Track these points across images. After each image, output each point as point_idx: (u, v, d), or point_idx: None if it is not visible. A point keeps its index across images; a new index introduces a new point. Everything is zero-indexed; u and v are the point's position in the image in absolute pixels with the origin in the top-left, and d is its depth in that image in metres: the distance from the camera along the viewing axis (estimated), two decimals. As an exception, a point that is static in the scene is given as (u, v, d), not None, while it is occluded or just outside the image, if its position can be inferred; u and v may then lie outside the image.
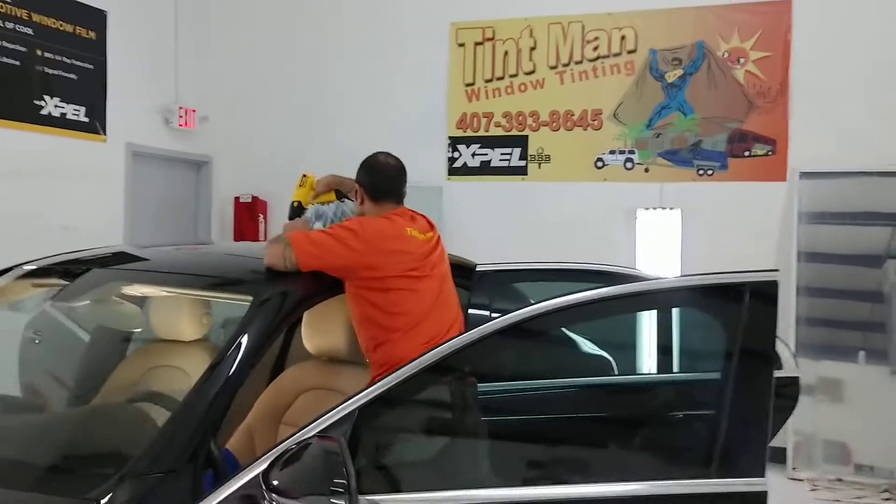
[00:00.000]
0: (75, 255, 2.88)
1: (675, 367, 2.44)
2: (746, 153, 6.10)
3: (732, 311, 1.78)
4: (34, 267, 2.70)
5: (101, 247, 3.21)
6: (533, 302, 1.97)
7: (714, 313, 1.83)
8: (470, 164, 6.83)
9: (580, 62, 6.53)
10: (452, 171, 6.88)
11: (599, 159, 6.48)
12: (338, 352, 2.94)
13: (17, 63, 5.61)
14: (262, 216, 7.42)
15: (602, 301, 1.88)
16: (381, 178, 2.93)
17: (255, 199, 7.40)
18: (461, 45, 6.87)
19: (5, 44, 5.51)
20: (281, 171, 7.36)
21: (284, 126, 7.36)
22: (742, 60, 6.11)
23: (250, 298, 2.34)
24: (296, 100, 7.33)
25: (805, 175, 5.91)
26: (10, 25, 5.54)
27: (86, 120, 6.14)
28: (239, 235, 7.43)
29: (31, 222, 5.60)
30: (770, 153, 6.04)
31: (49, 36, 5.82)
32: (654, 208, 6.23)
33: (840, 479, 5.45)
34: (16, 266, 2.83)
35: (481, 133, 6.81)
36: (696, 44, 6.23)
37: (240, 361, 2.09)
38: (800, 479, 5.50)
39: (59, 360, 2.80)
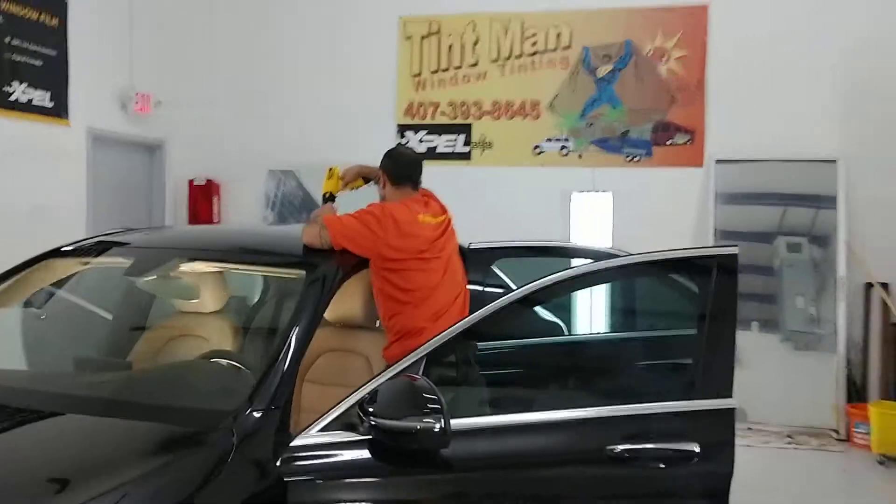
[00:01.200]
0: (111, 237, 3.26)
1: (663, 325, 3.03)
2: (669, 142, 6.83)
3: (705, 276, 2.37)
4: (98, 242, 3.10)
5: (124, 229, 3.58)
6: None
7: (692, 279, 2.42)
8: (417, 150, 7.33)
9: (520, 56, 7.12)
10: (401, 156, 7.36)
11: (537, 146, 7.09)
12: (353, 319, 3.42)
13: (-13, 50, 5.77)
14: (216, 198, 7.73)
15: (606, 271, 2.46)
16: (402, 166, 3.43)
17: (209, 181, 7.70)
18: (409, 37, 7.35)
19: (-23, 32, 5.67)
20: (234, 154, 7.72)
21: (238, 111, 7.66)
22: (665, 58, 6.82)
23: (304, 273, 2.81)
24: (250, 86, 7.65)
25: (720, 161, 6.68)
26: (-19, 14, 5.70)
27: (50, 105, 6.33)
28: (193, 217, 7.72)
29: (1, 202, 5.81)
30: (689, 142, 6.79)
31: (17, 23, 5.99)
32: (588, 191, 6.89)
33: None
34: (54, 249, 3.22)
35: (428, 121, 7.33)
36: (625, 42, 6.90)
37: (308, 322, 2.57)
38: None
39: (126, 327, 3.17)
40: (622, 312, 3.09)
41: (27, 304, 3.16)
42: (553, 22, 7.04)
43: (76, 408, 2.35)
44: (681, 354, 2.48)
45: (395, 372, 2.29)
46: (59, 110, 6.41)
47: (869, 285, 6.33)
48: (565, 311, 3.03)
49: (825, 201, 6.44)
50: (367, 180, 3.67)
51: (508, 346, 3.09)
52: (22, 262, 3.18)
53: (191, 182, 7.73)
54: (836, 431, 6.13)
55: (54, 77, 6.35)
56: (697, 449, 2.20)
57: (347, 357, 3.37)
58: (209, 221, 7.68)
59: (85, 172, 6.70)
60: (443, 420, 2.06)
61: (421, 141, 7.34)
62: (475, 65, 7.21)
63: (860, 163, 6.39)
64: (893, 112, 6.32)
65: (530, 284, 2.46)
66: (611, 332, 3.10)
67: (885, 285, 6.26)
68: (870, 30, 6.35)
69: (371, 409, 2.18)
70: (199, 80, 7.70)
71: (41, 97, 6.24)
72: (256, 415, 2.25)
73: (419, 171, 3.46)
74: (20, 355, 3.07)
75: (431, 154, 7.29)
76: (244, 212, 7.71)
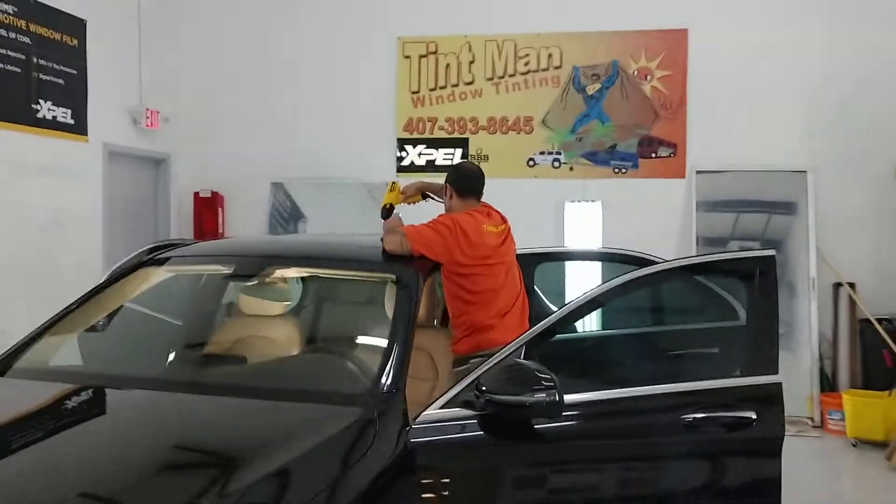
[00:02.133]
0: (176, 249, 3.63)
1: (714, 317, 3.51)
2: (653, 155, 7.37)
3: (750, 276, 2.85)
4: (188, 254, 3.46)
5: (167, 242, 3.93)
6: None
7: (740, 278, 2.89)
8: (417, 163, 7.75)
9: (513, 75, 7.60)
10: (401, 169, 7.79)
11: (531, 159, 7.57)
12: (419, 318, 3.83)
13: (19, 70, 6.01)
14: (220, 209, 8.03)
15: (667, 272, 2.93)
16: (467, 180, 3.84)
17: (214, 193, 7.99)
18: (407, 57, 7.77)
19: (9, 52, 5.92)
20: (238, 168, 8.03)
21: (243, 127, 7.98)
22: (649, 77, 7.37)
23: (393, 276, 3.21)
24: (254, 102, 7.97)
25: (700, 172, 7.25)
26: (12, 35, 5.94)
27: (72, 122, 6.59)
28: (198, 228, 8.00)
29: (24, 215, 6.05)
30: (672, 155, 7.34)
31: (42, 44, 6.24)
32: (579, 201, 7.39)
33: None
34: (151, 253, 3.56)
35: (426, 135, 7.75)
36: (612, 62, 7.43)
37: (410, 317, 2.97)
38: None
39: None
40: (680, 308, 3.55)
41: (126, 309, 3.50)
42: (544, 43, 7.54)
43: (230, 392, 2.72)
44: (733, 341, 2.94)
45: (501, 357, 2.70)
46: (79, 127, 6.67)
47: (838, 285, 6.95)
48: (635, 307, 3.48)
49: (796, 209, 7.05)
50: (424, 196, 4.07)
51: (596, 336, 3.53)
52: (121, 271, 3.53)
53: (196, 194, 8.01)
54: (812, 419, 6.72)
55: (74, 95, 6.61)
56: (754, 416, 2.67)
57: (413, 353, 3.78)
58: (214, 232, 7.97)
59: (101, 186, 6.95)
60: (556, 394, 2.49)
61: (420, 154, 7.76)
62: (471, 83, 7.66)
63: (827, 173, 7.02)
64: (856, 128, 6.96)
65: (604, 284, 2.90)
66: (676, 325, 3.56)
67: (852, 285, 6.88)
68: (837, 54, 6.99)
69: (486, 388, 2.59)
70: (205, 96, 7.99)
71: (64, 114, 6.49)
72: (387, 394, 2.64)
73: (482, 185, 3.88)
74: (128, 353, 3.40)
75: (431, 167, 7.71)
76: (248, 223, 8.01)
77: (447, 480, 2.58)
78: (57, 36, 6.40)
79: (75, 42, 6.63)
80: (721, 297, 3.73)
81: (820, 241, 6.95)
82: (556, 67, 7.53)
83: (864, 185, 6.96)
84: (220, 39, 8.04)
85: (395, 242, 3.42)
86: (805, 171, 7.05)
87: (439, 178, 7.65)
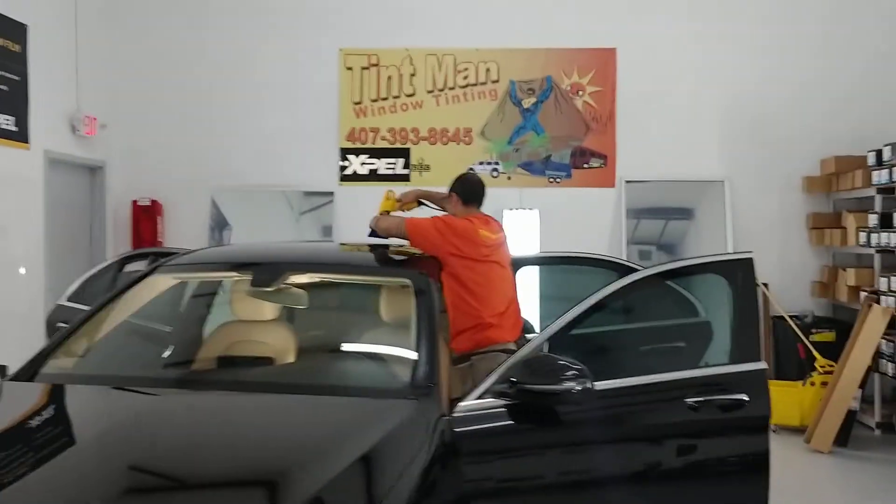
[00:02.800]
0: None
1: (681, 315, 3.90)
2: (585, 165, 7.84)
3: (733, 275, 3.24)
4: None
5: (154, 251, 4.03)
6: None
7: (725, 277, 3.27)
8: (359, 172, 7.95)
9: (453, 88, 7.91)
10: (344, 178, 7.96)
11: (471, 169, 7.86)
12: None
13: (-30, 77, 5.87)
14: (159, 218, 7.97)
15: (659, 275, 3.30)
16: (470, 190, 4.16)
17: (153, 202, 7.93)
18: (350, 68, 7.96)
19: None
20: (177, 176, 8.01)
21: (183, 134, 7.96)
22: (581, 92, 7.84)
23: (409, 280, 3.45)
24: (195, 111, 7.96)
25: (629, 182, 7.76)
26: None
27: (16, 129, 6.45)
28: (136, 237, 7.92)
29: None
30: (603, 165, 7.83)
31: (-10, 50, 6.11)
32: (517, 209, 7.77)
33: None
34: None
35: (369, 145, 7.96)
36: (546, 78, 7.86)
37: (437, 315, 3.23)
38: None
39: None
40: (673, 304, 3.93)
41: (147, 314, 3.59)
42: (482, 58, 7.89)
43: (283, 390, 2.90)
44: (723, 333, 3.32)
45: (527, 352, 3.00)
46: (21, 134, 6.53)
47: (753, 285, 7.58)
48: (617, 307, 3.87)
49: (715, 215, 7.66)
50: (419, 203, 4.32)
51: (605, 330, 3.86)
52: (133, 279, 3.62)
53: (134, 202, 7.93)
54: (733, 408, 7.30)
55: (16, 102, 6.47)
56: (746, 398, 3.05)
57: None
58: (153, 241, 7.89)
59: (42, 194, 6.82)
60: (588, 381, 2.79)
61: (363, 164, 7.96)
62: (412, 94, 7.93)
63: (742, 183, 7.67)
64: (767, 142, 7.63)
65: (609, 287, 3.23)
66: (672, 320, 3.93)
67: (765, 284, 7.53)
68: (750, 73, 7.64)
69: (517, 379, 2.87)
70: (143, 103, 7.93)
71: (6, 121, 6.35)
72: (428, 387, 2.88)
73: (483, 195, 4.18)
74: (158, 358, 3.51)
75: (373, 176, 7.93)
76: (187, 232, 7.98)
77: (484, 461, 2.84)
78: (1, 42, 6.26)
79: (17, 48, 6.49)
80: (683, 295, 4.14)
81: (737, 245, 7.57)
82: (494, 81, 7.89)
83: (775, 194, 7.64)
84: (159, 48, 7.99)
85: (393, 224, 3.77)
86: (723, 181, 7.68)
87: (380, 187, 7.96)
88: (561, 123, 7.87)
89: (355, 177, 7.95)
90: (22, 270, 6.51)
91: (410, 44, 7.92)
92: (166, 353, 3.55)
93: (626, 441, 3.02)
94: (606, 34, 7.80)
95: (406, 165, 7.93)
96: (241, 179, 7.96)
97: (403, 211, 4.33)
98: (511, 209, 7.75)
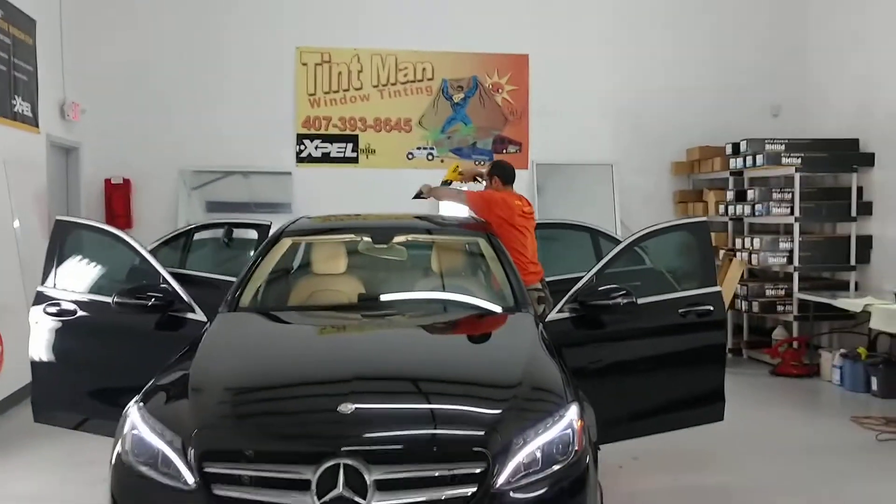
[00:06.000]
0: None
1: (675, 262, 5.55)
2: (504, 151, 9.49)
3: (696, 233, 4.96)
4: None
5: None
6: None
7: (691, 233, 4.97)
8: (314, 155, 9.15)
9: (395, 84, 9.28)
10: (300, 160, 9.14)
11: (410, 153, 9.32)
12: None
13: (4, 69, 6.57)
14: (132, 195, 8.77)
15: (650, 234, 4.98)
16: (507, 173, 5.70)
17: (126, 180, 8.72)
18: (304, 64, 9.12)
19: (1, 54, 6.47)
20: (149, 156, 8.86)
21: (153, 118, 8.79)
22: (500, 91, 9.46)
23: (484, 236, 4.91)
24: (166, 99, 8.82)
25: (539, 165, 9.50)
26: (1, 38, 6.50)
27: (31, 115, 7.15)
28: (109, 212, 8.68)
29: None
30: (518, 151, 9.52)
31: (17, 44, 6.79)
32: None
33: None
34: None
35: (322, 131, 9.18)
36: (472, 77, 9.41)
37: (509, 257, 4.73)
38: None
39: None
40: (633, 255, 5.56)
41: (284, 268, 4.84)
42: (420, 59, 9.31)
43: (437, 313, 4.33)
44: (692, 272, 5.01)
45: (581, 285, 4.56)
46: (36, 120, 7.23)
47: (636, 247, 9.58)
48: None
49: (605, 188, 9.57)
50: (474, 179, 5.85)
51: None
52: (266, 241, 4.86)
53: (107, 181, 8.68)
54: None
55: (31, 90, 7.16)
56: (711, 308, 4.78)
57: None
58: (126, 217, 8.70)
59: (45, 175, 7.53)
60: (635, 298, 4.40)
61: (317, 148, 9.17)
62: (360, 88, 9.22)
63: (626, 166, 9.62)
64: (647, 134, 9.61)
65: (622, 243, 4.85)
66: (657, 266, 5.53)
67: (645, 247, 9.54)
68: (638, 80, 9.55)
69: (583, 299, 4.45)
70: (117, 90, 8.69)
71: (27, 108, 7.05)
72: (528, 305, 4.39)
73: (514, 177, 5.70)
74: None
75: (326, 158, 9.17)
76: (157, 209, 8.85)
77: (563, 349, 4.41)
78: (21, 35, 6.94)
79: (30, 41, 7.17)
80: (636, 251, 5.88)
81: (623, 215, 9.52)
82: (429, 79, 9.34)
83: (652, 175, 9.67)
84: (136, 37, 8.79)
85: (455, 195, 5.31)
86: (611, 165, 9.60)
87: (335, 170, 9.18)
88: (485, 116, 9.45)
89: (310, 159, 9.15)
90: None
91: (359, 45, 9.19)
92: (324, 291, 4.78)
93: (647, 336, 4.67)
94: (521, 42, 9.46)
95: (354, 150, 9.23)
96: (208, 160, 8.93)
97: (461, 182, 5.82)
98: (445, 187, 9.25)
